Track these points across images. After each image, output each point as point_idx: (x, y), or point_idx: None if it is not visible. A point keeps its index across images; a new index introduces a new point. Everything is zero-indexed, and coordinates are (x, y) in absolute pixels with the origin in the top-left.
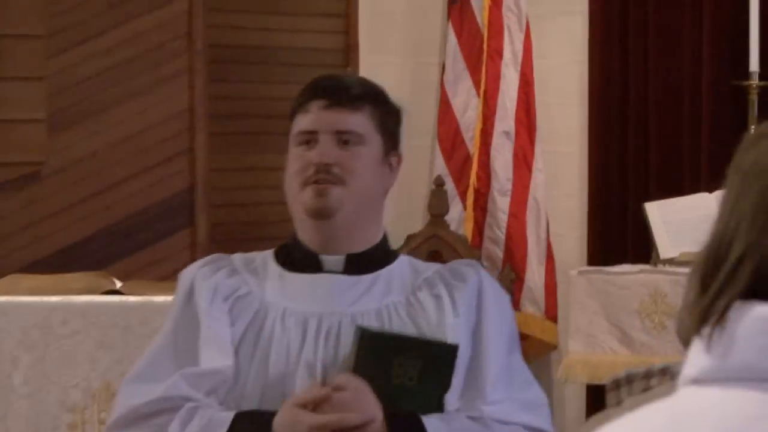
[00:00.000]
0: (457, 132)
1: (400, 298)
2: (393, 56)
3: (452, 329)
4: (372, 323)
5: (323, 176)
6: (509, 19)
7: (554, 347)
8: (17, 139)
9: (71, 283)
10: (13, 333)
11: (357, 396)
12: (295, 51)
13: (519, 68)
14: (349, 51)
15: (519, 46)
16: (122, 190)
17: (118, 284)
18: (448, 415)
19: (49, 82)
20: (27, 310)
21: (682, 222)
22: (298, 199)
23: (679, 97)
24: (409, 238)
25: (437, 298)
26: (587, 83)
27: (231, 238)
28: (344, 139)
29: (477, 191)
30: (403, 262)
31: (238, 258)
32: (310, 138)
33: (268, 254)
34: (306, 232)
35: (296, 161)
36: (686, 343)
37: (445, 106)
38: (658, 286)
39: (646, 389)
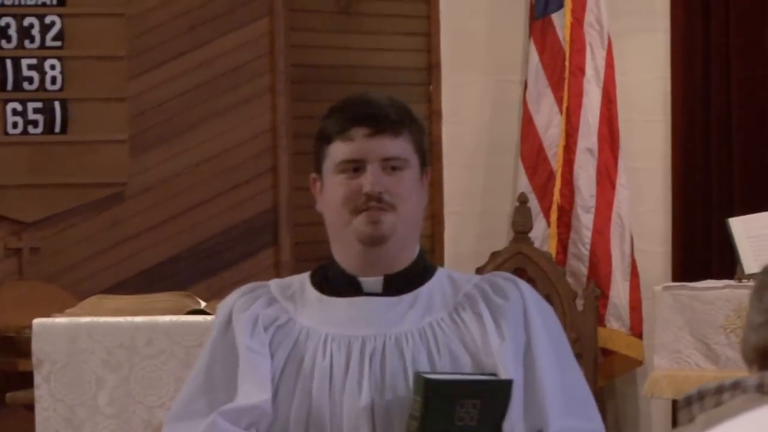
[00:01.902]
0: (540, 149)
1: (442, 315)
2: (475, 74)
3: (500, 355)
4: (416, 343)
5: (375, 204)
6: (591, 36)
7: (639, 363)
8: (100, 160)
9: (155, 303)
10: (98, 353)
11: None
12: (377, 70)
13: (601, 85)
14: (432, 70)
15: (601, 63)
16: (205, 211)
17: (203, 304)
18: None
19: (130, 103)
20: (112, 331)
21: (766, 237)
22: (348, 226)
23: (763, 112)
24: (494, 255)
25: (479, 317)
26: (670, 99)
27: (315, 257)
28: (391, 165)
29: (561, 208)
30: (441, 275)
31: (275, 284)
32: (356, 166)
33: (305, 278)
34: (349, 257)
35: (340, 188)
36: (749, 361)
37: (527, 123)
38: (743, 301)
39: (717, 404)
